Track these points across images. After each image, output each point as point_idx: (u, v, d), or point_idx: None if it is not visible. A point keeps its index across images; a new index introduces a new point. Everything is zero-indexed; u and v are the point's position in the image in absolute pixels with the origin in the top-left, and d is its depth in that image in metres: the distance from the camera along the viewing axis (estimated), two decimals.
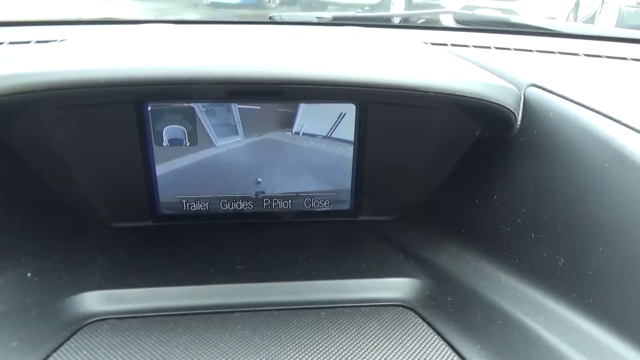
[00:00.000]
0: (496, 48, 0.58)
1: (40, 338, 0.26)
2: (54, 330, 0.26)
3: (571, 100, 0.31)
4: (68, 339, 0.26)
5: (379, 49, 0.36)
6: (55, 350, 0.26)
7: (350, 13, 0.81)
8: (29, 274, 0.29)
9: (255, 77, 0.27)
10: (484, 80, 0.31)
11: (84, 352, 0.26)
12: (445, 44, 0.58)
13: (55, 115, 0.32)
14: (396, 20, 0.91)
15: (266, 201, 0.37)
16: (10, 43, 0.44)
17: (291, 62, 0.29)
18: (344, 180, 0.37)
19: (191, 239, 0.35)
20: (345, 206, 0.38)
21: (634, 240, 0.23)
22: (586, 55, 0.58)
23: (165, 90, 0.33)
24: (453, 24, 0.85)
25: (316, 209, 0.38)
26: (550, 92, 0.32)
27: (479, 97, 0.29)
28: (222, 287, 0.30)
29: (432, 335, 0.28)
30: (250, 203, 0.37)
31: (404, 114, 0.35)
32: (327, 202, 0.38)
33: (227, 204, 0.37)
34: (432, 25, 0.84)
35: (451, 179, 0.35)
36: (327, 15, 0.80)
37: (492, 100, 0.30)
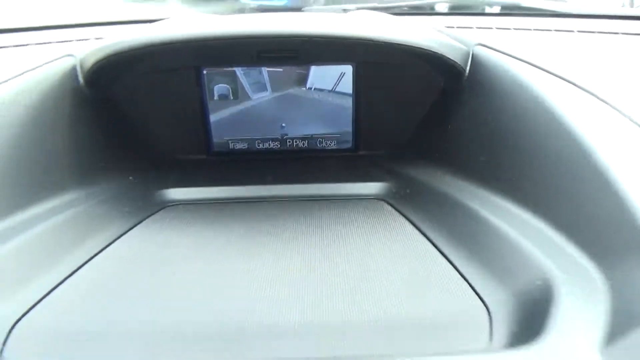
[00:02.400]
0: (497, 28, 0.69)
1: (131, 214, 0.40)
2: (140, 210, 0.41)
3: (506, 54, 0.42)
4: (154, 213, 0.41)
5: (374, 20, 0.48)
6: (145, 219, 0.40)
7: (373, 4, 0.93)
8: (130, 177, 0.44)
9: (276, 33, 0.40)
10: (439, 39, 0.42)
11: (165, 223, 0.40)
12: (452, 27, 0.69)
13: (141, 78, 0.47)
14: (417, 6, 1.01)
15: (289, 141, 0.51)
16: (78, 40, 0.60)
17: (302, 25, 0.42)
18: (346, 125, 0.50)
19: (236, 166, 0.49)
20: (348, 145, 0.51)
21: (549, 154, 0.33)
22: (580, 31, 0.66)
23: (215, 55, 0.47)
24: (472, 9, 0.95)
25: (326, 147, 0.51)
26: (492, 49, 0.43)
27: (433, 50, 0.41)
28: (258, 188, 0.44)
29: (404, 220, 0.40)
30: (277, 142, 0.51)
31: (388, 71, 0.47)
32: (334, 141, 0.51)
33: (261, 143, 0.51)
34: (445, 11, 0.95)
35: (426, 118, 0.47)
36: (352, 7, 0.92)
37: (443, 54, 0.41)
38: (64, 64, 0.42)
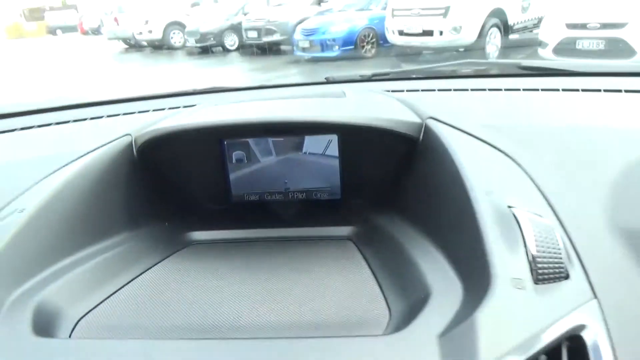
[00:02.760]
0: (506, 90, 0.80)
1: (165, 249, 0.55)
2: (171, 247, 0.55)
3: (448, 124, 0.54)
4: (181, 249, 0.55)
5: (358, 102, 0.62)
6: (174, 254, 0.54)
7: (387, 70, 1.07)
8: (166, 223, 0.59)
9: (271, 121, 0.55)
10: (397, 118, 0.55)
11: (188, 257, 0.54)
12: (449, 89, 0.82)
13: (178, 148, 0.62)
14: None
15: (290, 194, 0.64)
16: (154, 110, 0.78)
17: (294, 112, 0.56)
18: (335, 180, 0.63)
19: (250, 213, 0.64)
20: (337, 196, 0.64)
21: (462, 216, 0.45)
22: (564, 90, 0.76)
23: (233, 131, 0.62)
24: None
25: (320, 198, 0.64)
26: (439, 121, 0.55)
27: (391, 128, 0.54)
28: (264, 230, 0.58)
29: (359, 256, 0.52)
30: (281, 195, 0.65)
31: (364, 139, 0.60)
32: (326, 193, 0.64)
33: (269, 195, 0.65)
34: (450, 74, 1.07)
35: (392, 175, 0.59)
36: (368, 73, 1.07)
37: (400, 130, 0.54)
38: (124, 141, 0.59)
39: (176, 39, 12.72)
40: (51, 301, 0.43)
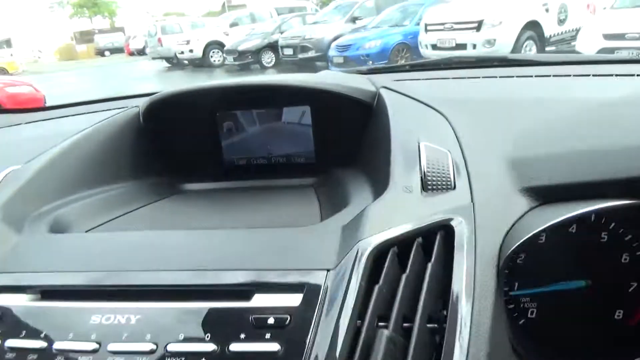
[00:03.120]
0: (483, 77, 0.89)
1: (158, 194, 0.66)
2: (164, 193, 0.66)
3: (396, 91, 0.63)
4: (173, 195, 0.66)
5: (321, 75, 0.72)
6: (165, 198, 0.65)
7: (382, 65, 1.17)
8: (164, 178, 0.71)
9: (249, 84, 0.66)
10: (355, 86, 0.65)
11: (172, 201, 0.65)
12: (430, 78, 0.91)
13: (178, 118, 0.74)
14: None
15: (273, 158, 0.75)
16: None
17: (275, 80, 0.67)
18: (310, 146, 0.73)
19: (238, 173, 0.74)
20: (312, 160, 0.74)
21: (383, 152, 0.54)
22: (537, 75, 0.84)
23: (224, 103, 0.73)
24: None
25: (298, 162, 0.74)
26: (389, 89, 0.64)
27: (347, 94, 0.64)
28: (248, 182, 0.68)
29: (315, 201, 0.61)
30: (265, 159, 0.75)
31: (331, 108, 0.70)
32: (302, 158, 0.74)
33: (255, 160, 0.75)
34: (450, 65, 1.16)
35: (354, 137, 0.69)
36: (364, 68, 1.17)
37: (356, 96, 0.64)
38: (134, 110, 0.71)
39: (215, 57, 13.20)
40: (65, 217, 0.55)
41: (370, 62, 8.44)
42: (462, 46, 7.33)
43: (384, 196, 0.44)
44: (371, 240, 0.39)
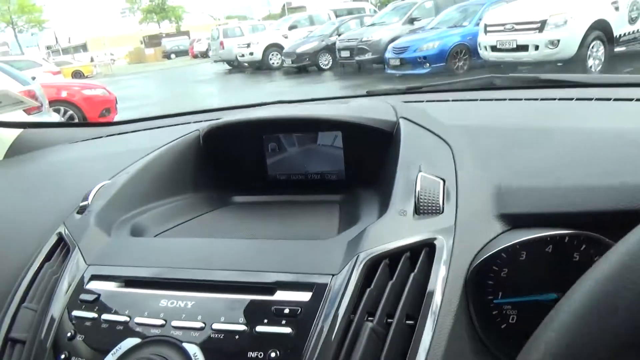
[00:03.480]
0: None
1: (210, 205, 0.79)
2: (216, 205, 0.80)
3: (412, 121, 0.73)
4: (222, 207, 0.80)
5: (351, 107, 0.83)
6: (217, 209, 0.79)
7: (420, 84, 1.25)
8: (217, 192, 0.84)
9: (285, 117, 0.78)
10: (376, 117, 0.75)
11: (223, 212, 0.78)
12: (462, 100, 1.00)
13: (231, 140, 0.87)
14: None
15: (309, 175, 0.86)
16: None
17: (311, 113, 0.79)
18: (340, 166, 0.84)
19: (279, 187, 0.86)
20: (342, 177, 0.84)
21: (390, 178, 0.65)
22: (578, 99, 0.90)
23: (270, 128, 0.86)
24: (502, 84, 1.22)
25: (331, 179, 0.85)
26: (406, 119, 0.74)
27: (368, 124, 0.74)
28: (287, 196, 0.80)
29: (337, 211, 0.73)
30: (303, 175, 0.87)
31: (357, 135, 0.80)
32: (334, 175, 0.85)
33: (294, 176, 0.87)
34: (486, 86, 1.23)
35: (375, 160, 0.79)
36: (403, 87, 1.26)
37: (376, 126, 0.74)
38: (195, 134, 0.85)
39: (274, 59, 13.53)
40: (141, 223, 0.69)
41: (427, 64, 8.38)
42: (523, 47, 7.10)
43: (383, 218, 0.54)
44: (368, 253, 0.50)
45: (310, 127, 0.82)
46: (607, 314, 0.26)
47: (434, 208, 0.54)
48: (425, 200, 0.55)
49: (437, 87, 1.26)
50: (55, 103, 6.24)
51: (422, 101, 1.03)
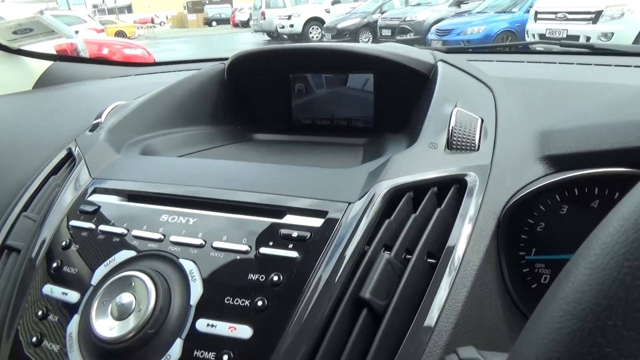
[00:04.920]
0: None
1: (232, 138, 0.76)
2: (237, 138, 0.76)
3: (451, 64, 0.67)
4: (243, 141, 0.76)
5: (387, 46, 0.77)
6: (237, 142, 0.75)
7: (460, 46, 1.18)
8: (238, 127, 0.80)
9: (328, 49, 0.73)
10: (413, 57, 0.69)
11: (242, 145, 0.75)
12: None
13: (258, 78, 0.83)
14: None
15: (335, 120, 0.81)
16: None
17: (343, 46, 0.73)
18: (370, 112, 0.79)
19: (303, 130, 0.82)
20: (370, 125, 0.79)
21: (422, 113, 0.59)
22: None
23: (296, 66, 0.81)
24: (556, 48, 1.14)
25: (357, 126, 0.80)
26: (445, 62, 0.68)
27: (403, 62, 0.68)
28: (310, 137, 0.76)
29: (361, 151, 0.68)
30: (328, 120, 0.82)
31: (392, 76, 0.75)
32: (362, 122, 0.80)
33: (319, 120, 0.83)
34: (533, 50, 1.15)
35: (408, 105, 0.73)
36: (443, 47, 1.19)
37: (412, 66, 0.68)
38: (220, 66, 0.81)
39: (314, 33, 13.37)
40: (154, 146, 0.66)
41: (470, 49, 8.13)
42: (573, 38, 6.78)
43: (411, 149, 0.49)
44: (390, 183, 0.45)
45: (341, 65, 0.77)
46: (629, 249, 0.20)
47: (468, 144, 0.49)
48: (460, 135, 0.49)
49: (482, 49, 1.18)
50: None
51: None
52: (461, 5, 10.16)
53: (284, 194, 0.47)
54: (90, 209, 0.51)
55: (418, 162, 0.47)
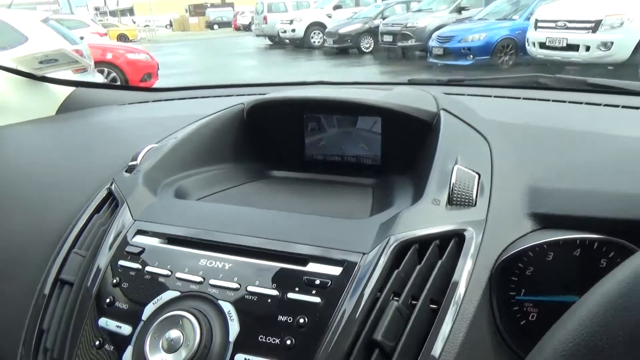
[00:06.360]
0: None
1: (251, 176, 0.83)
2: (256, 177, 0.83)
3: (452, 114, 0.74)
4: (260, 179, 0.83)
5: (393, 94, 0.85)
6: (257, 180, 0.82)
7: (462, 77, 1.25)
8: (257, 164, 0.87)
9: (328, 98, 0.80)
10: (418, 107, 0.76)
11: (260, 184, 0.82)
12: (504, 97, 1.00)
13: (274, 117, 0.90)
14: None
15: (345, 157, 0.88)
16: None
17: (354, 97, 0.81)
18: (377, 151, 0.86)
19: (315, 167, 0.89)
20: (377, 163, 0.86)
21: (426, 170, 0.67)
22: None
23: (310, 108, 0.88)
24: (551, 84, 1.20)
25: (366, 163, 0.87)
26: (447, 111, 0.75)
27: (409, 113, 0.75)
28: (322, 175, 0.83)
29: (370, 194, 0.75)
30: (339, 157, 0.89)
31: (396, 122, 0.81)
32: (370, 160, 0.87)
33: (330, 157, 0.90)
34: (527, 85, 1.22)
35: (413, 149, 0.80)
36: (444, 78, 1.26)
37: (416, 115, 0.75)
38: (239, 107, 0.88)
39: (316, 38, 13.45)
40: (185, 187, 0.73)
41: (471, 56, 8.19)
42: (573, 47, 6.85)
43: (417, 204, 0.56)
44: (399, 237, 0.52)
45: (351, 110, 0.84)
46: (621, 312, 0.27)
47: (467, 200, 0.56)
48: (459, 192, 0.56)
49: (480, 82, 1.25)
50: (99, 64, 6.41)
51: (464, 94, 1.03)
52: (462, 12, 10.24)
53: (308, 244, 0.54)
54: (135, 250, 0.58)
55: (423, 218, 0.54)
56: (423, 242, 0.53)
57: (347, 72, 9.50)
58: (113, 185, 0.71)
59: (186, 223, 0.60)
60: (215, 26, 28.25)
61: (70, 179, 0.83)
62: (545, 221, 0.56)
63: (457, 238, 0.53)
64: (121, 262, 0.57)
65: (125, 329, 0.52)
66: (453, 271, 0.50)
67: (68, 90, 1.35)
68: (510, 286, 0.56)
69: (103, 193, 0.71)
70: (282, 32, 14.01)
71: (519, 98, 0.99)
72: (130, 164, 0.74)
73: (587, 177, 0.61)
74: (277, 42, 14.87)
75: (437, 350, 0.46)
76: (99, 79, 5.80)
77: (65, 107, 1.30)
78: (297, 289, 0.50)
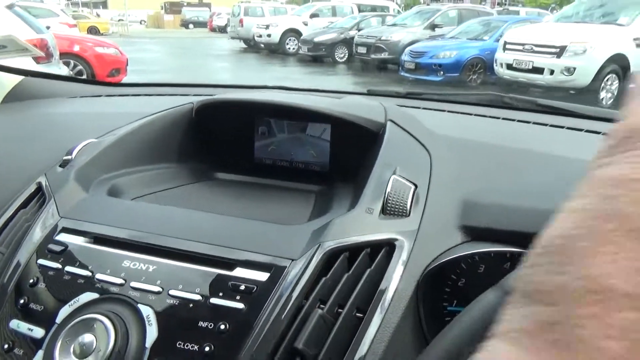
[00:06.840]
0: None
1: (194, 177, 0.81)
2: (200, 177, 0.82)
3: (397, 124, 0.74)
4: (207, 180, 0.81)
5: (344, 102, 0.85)
6: (200, 182, 0.81)
7: (420, 90, 1.27)
8: (203, 165, 0.86)
9: (278, 103, 0.79)
10: (366, 117, 0.77)
11: (202, 185, 0.80)
12: (456, 112, 1.02)
13: (223, 119, 0.88)
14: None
15: (294, 163, 0.88)
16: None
17: (304, 103, 0.80)
18: (325, 158, 0.85)
19: (264, 171, 0.88)
20: (325, 169, 0.86)
21: (365, 177, 0.67)
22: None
23: (262, 112, 0.87)
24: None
25: (314, 169, 0.87)
26: (393, 122, 0.75)
27: (357, 122, 0.75)
28: (269, 180, 0.82)
29: (312, 200, 0.74)
30: (288, 162, 0.88)
31: (345, 131, 0.82)
32: (318, 167, 0.86)
33: (279, 162, 0.89)
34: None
35: (359, 157, 0.80)
36: (403, 91, 1.27)
37: (363, 125, 0.76)
38: (188, 106, 0.87)
39: (291, 45, 13.47)
40: (120, 185, 0.71)
41: (442, 72, 8.37)
42: (538, 70, 7.09)
43: (350, 212, 0.56)
44: (329, 244, 0.52)
45: (302, 116, 0.83)
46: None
47: (400, 210, 0.56)
48: (394, 202, 0.56)
49: (437, 97, 1.27)
50: (66, 56, 6.20)
51: (419, 107, 1.04)
52: (435, 29, 10.47)
53: (236, 248, 0.53)
54: (57, 248, 0.56)
55: (355, 226, 0.54)
56: (353, 250, 0.52)
57: (321, 80, 9.55)
58: (44, 180, 0.68)
59: (114, 222, 0.58)
60: (191, 25, 27.95)
61: (1, 172, 0.79)
62: (474, 234, 0.57)
63: (387, 247, 0.53)
64: (41, 261, 0.55)
65: (38, 332, 0.50)
66: (381, 280, 0.50)
67: (17, 79, 1.30)
68: (442, 297, 0.56)
69: (32, 188, 0.68)
70: (257, 37, 13.97)
71: (471, 114, 1.01)
72: (64, 158, 0.72)
73: (517, 194, 0.62)
74: (252, 46, 14.82)
75: (359, 358, 0.46)
76: (64, 71, 5.62)
77: (12, 97, 1.25)
78: (220, 294, 0.49)
